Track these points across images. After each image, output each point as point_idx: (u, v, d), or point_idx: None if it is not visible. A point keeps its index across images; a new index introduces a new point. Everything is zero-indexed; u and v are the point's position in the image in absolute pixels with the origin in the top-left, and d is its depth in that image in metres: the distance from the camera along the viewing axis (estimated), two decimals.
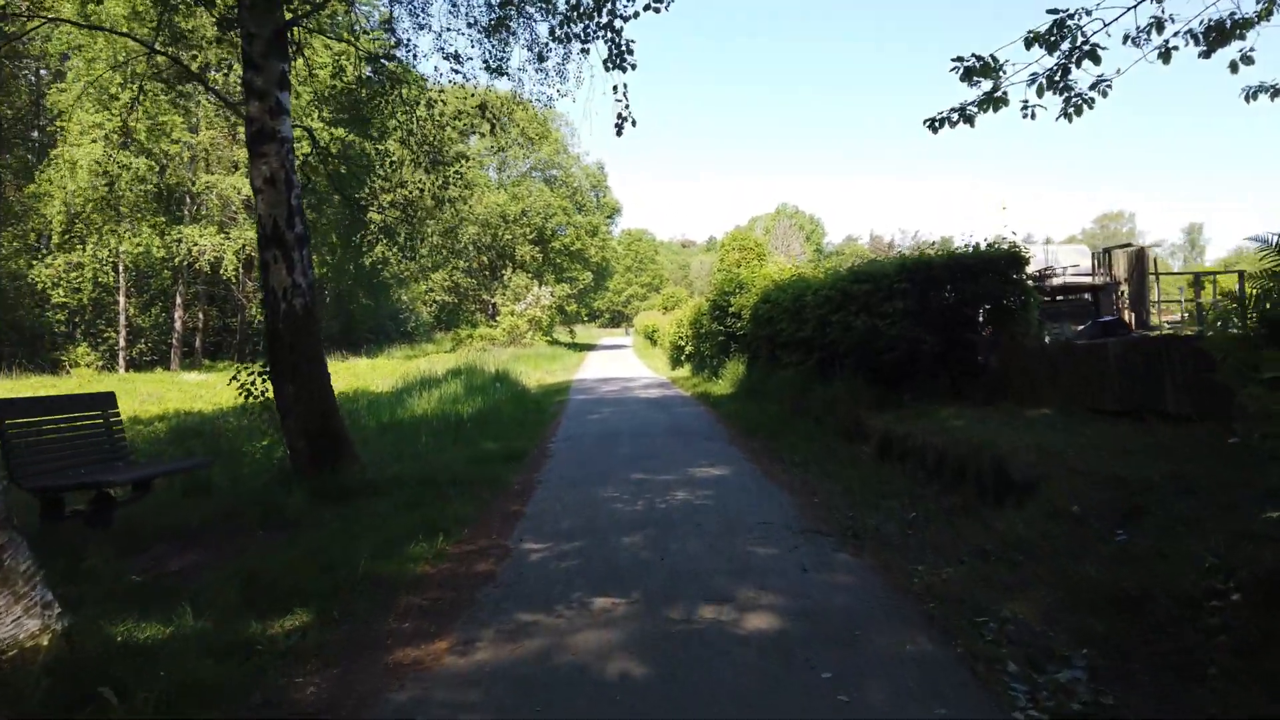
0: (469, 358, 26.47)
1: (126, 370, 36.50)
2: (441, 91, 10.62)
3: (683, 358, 24.62)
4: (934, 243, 12.00)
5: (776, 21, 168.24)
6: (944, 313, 8.79)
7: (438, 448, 10.18)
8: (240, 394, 8.00)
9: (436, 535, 5.70)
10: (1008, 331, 8.71)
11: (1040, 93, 6.17)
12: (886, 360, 8.80)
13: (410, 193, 11.64)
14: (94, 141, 33.43)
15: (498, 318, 41.38)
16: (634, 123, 7.92)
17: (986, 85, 6.31)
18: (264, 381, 7.90)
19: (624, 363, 32.12)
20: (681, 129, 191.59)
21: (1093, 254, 15.29)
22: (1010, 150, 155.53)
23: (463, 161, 11.59)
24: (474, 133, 43.76)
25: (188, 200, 39.36)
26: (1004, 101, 6.25)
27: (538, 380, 23.28)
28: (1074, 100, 5.96)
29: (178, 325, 39.18)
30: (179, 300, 38.95)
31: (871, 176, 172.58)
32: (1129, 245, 15.11)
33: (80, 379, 31.38)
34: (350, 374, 29.95)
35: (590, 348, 49.06)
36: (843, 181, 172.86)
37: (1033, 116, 6.19)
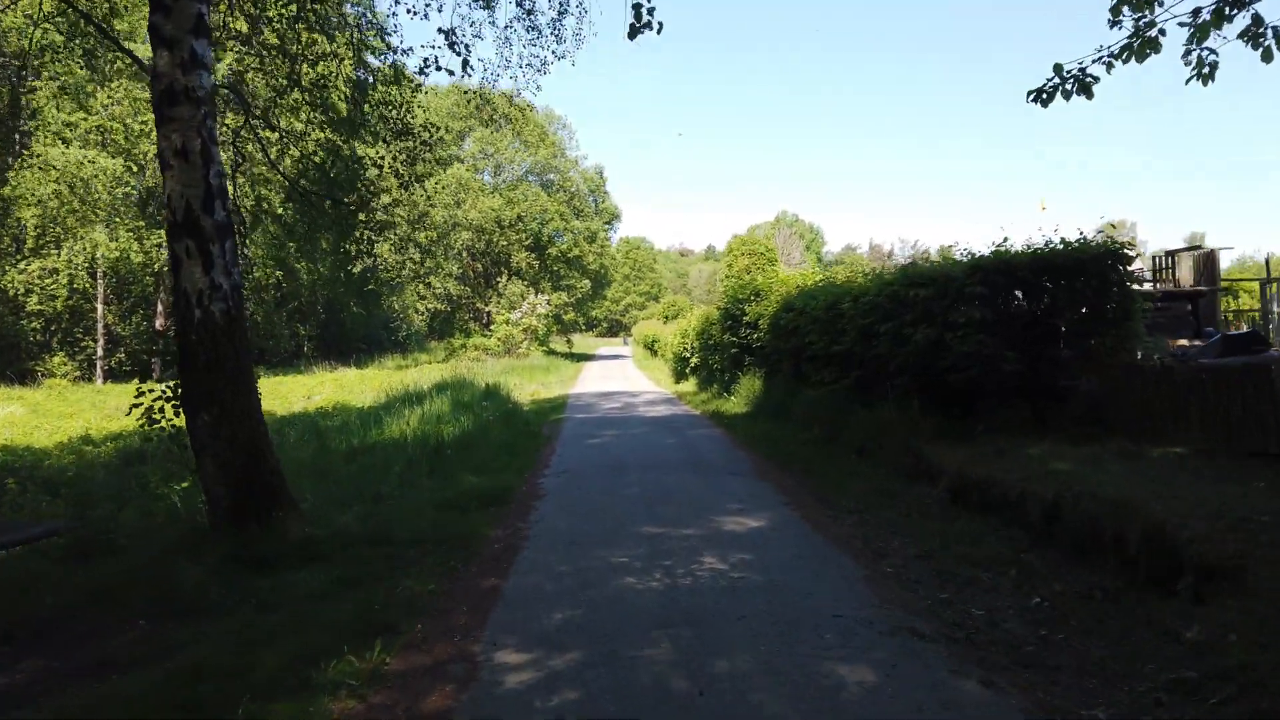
0: (460, 369, 24.80)
1: (104, 381, 34.86)
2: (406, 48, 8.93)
3: (687, 370, 22.96)
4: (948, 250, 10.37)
5: (776, 30, 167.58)
6: (1028, 323, 7.15)
7: (408, 483, 8.51)
8: (141, 422, 6.32)
9: (375, 638, 4.02)
10: (1104, 347, 7.08)
11: (1203, 34, 4.56)
12: (954, 381, 7.16)
13: (368, 171, 9.80)
14: (68, 142, 31.93)
15: (492, 327, 39.71)
16: (659, 28, 6.09)
17: (1129, 27, 4.73)
18: (174, 407, 6.22)
19: (624, 375, 30.45)
20: (679, 137, 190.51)
21: (1153, 257, 13.75)
22: (1005, 158, 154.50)
23: (433, 131, 9.78)
24: (467, 133, 42.28)
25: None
26: (1155, 46, 4.65)
27: (532, 394, 21.60)
28: (1261, 41, 4.34)
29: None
30: (160, 308, 37.25)
31: (871, 186, 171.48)
32: (1197, 248, 13.56)
33: (52, 390, 29.70)
34: (336, 385, 28.33)
35: (588, 358, 47.35)
36: (842, 190, 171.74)
37: (1197, 67, 4.59)
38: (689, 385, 21.69)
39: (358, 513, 6.97)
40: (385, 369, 36.25)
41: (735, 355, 15.65)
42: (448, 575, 5.21)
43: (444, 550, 5.75)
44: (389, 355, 44.09)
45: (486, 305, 41.73)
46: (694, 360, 21.85)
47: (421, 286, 39.71)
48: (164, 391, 6.20)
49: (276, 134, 9.12)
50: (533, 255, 41.81)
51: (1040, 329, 7.17)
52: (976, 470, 6.46)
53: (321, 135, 9.38)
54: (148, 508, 6.96)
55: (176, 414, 6.15)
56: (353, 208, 9.12)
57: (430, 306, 42.50)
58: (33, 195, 30.49)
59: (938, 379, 7.57)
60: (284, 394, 26.67)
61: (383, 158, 9.06)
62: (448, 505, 7.17)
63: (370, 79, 8.58)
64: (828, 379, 10.13)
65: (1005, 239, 7.68)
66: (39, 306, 33.75)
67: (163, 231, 35.16)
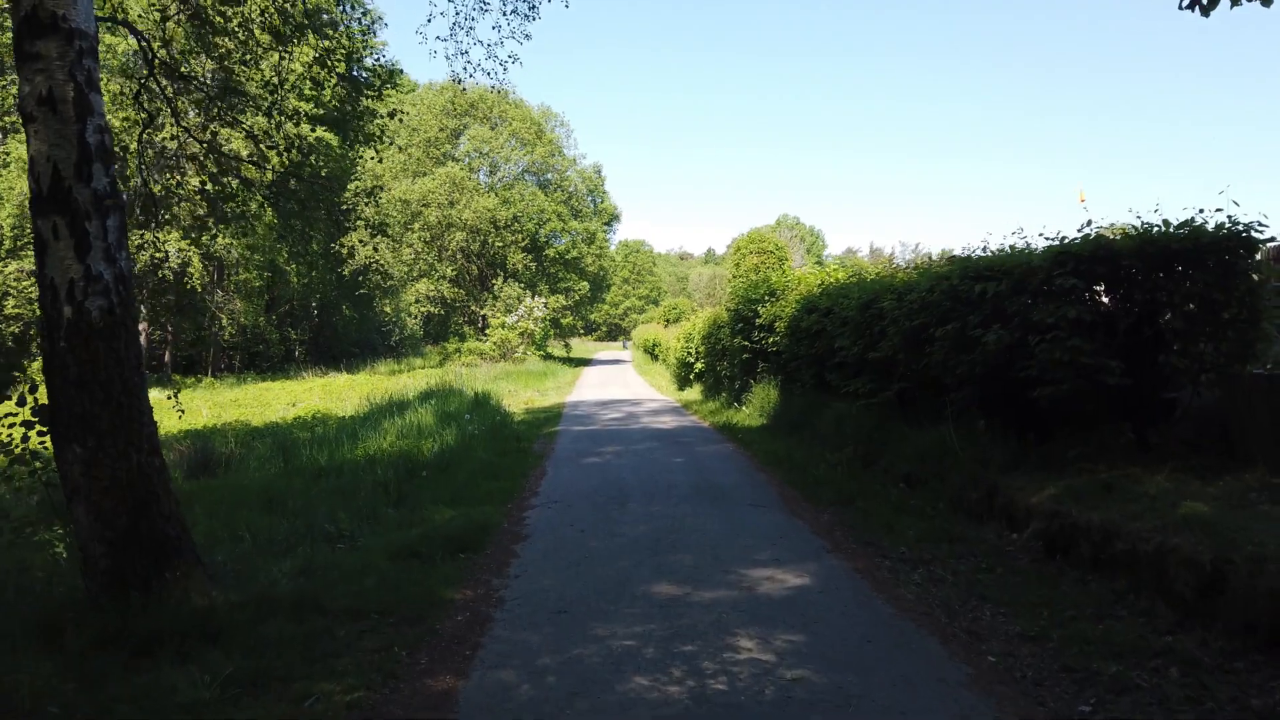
0: (452, 375, 23.35)
1: None
2: None
3: (692, 376, 21.56)
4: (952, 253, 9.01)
5: (775, 32, 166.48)
6: (1133, 324, 5.75)
7: (370, 516, 7.13)
8: None
9: None
10: (1222, 353, 5.69)
11: None
12: (1042, 396, 5.74)
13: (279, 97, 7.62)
14: None
15: (487, 331, 38.30)
16: None
17: None
18: (41, 435, 4.81)
19: (624, 381, 29.05)
20: (679, 140, 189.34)
21: None
22: (996, 161, 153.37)
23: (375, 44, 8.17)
24: (461, 131, 40.96)
25: (154, 204, 36.23)
26: None
27: (526, 403, 20.20)
28: None
29: (141, 338, 35.99)
30: (143, 311, 35.82)
31: (870, 191, 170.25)
32: (1272, 240, 12.12)
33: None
34: (324, 391, 26.99)
35: (586, 363, 45.96)
36: (841, 195, 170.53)
37: None
38: (694, 393, 20.29)
39: (297, 561, 5.57)
40: (377, 374, 34.89)
41: (747, 361, 14.25)
42: (386, 670, 3.78)
43: (389, 626, 4.33)
44: (383, 360, 42.75)
45: (481, 309, 40.31)
46: (699, 366, 20.48)
47: (430, 282, 38.13)
48: (29, 416, 4.79)
49: (187, 84, 7.61)
50: (529, 257, 40.39)
51: (1147, 332, 5.76)
52: (1078, 515, 5.05)
53: (241, 78, 7.77)
54: (29, 558, 5.54)
55: (45, 445, 4.74)
56: (285, 171, 7.46)
57: (425, 309, 41.14)
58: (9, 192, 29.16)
59: (1014, 392, 6.16)
60: (268, 401, 25.34)
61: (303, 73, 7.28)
62: (407, 552, 5.75)
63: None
64: (862, 390, 8.73)
65: (1089, 221, 6.29)
66: (17, 310, 32.34)
67: (147, 232, 33.67)
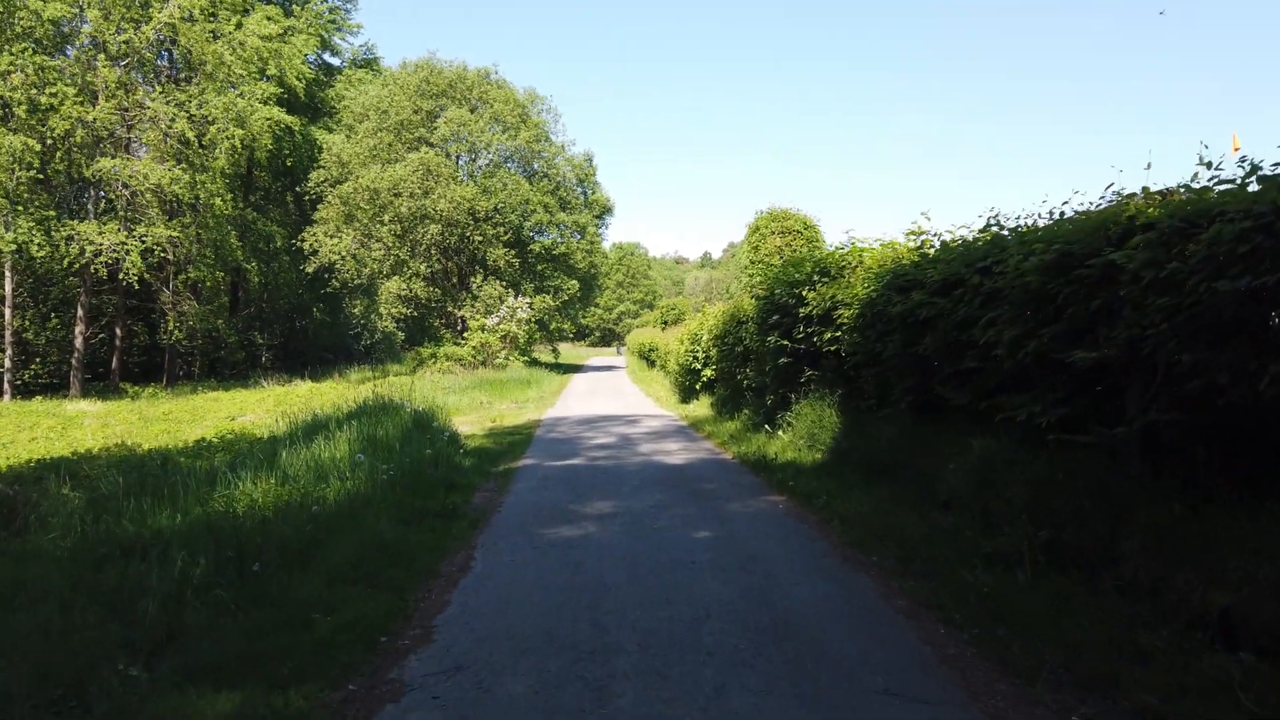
0: (403, 386, 19.33)
1: (13, 397, 29.39)
2: None
3: (698, 386, 17.53)
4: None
5: (772, 38, 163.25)
6: None
7: (74, 688, 3.16)
8: None
9: None
10: None
11: None
12: None
13: None
14: None
15: (466, 334, 34.22)
16: None
17: None
18: None
19: (617, 389, 25.03)
20: (672, 146, 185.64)
21: None
22: (993, 165, 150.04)
23: None
24: (438, 113, 36.94)
25: (90, 191, 32.18)
26: None
27: (494, 420, 16.17)
28: None
29: (78, 342, 31.82)
30: (81, 312, 31.66)
31: (867, 197, 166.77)
32: None
33: None
34: (277, 402, 23.10)
35: (576, 369, 41.90)
36: (837, 202, 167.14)
37: None
38: (702, 407, 16.28)
39: None
40: (345, 382, 30.85)
41: (785, 367, 10.24)
42: None
43: None
44: (357, 366, 38.61)
45: (459, 310, 36.20)
46: (708, 373, 16.43)
47: (401, 280, 34.10)
48: None
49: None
50: (512, 252, 36.27)
51: None
52: None
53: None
54: None
55: None
56: None
57: (396, 310, 37.02)
58: None
59: None
60: (207, 414, 21.41)
61: None
62: None
63: None
64: (1046, 419, 4.73)
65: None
66: None
67: (76, 222, 29.56)
